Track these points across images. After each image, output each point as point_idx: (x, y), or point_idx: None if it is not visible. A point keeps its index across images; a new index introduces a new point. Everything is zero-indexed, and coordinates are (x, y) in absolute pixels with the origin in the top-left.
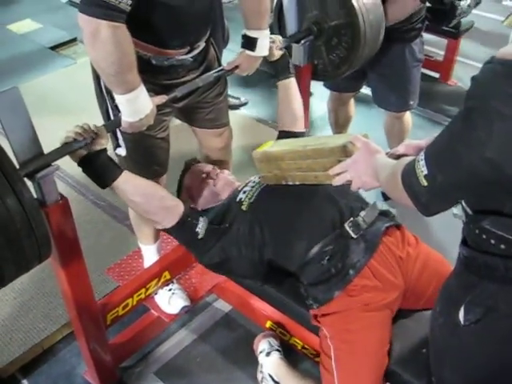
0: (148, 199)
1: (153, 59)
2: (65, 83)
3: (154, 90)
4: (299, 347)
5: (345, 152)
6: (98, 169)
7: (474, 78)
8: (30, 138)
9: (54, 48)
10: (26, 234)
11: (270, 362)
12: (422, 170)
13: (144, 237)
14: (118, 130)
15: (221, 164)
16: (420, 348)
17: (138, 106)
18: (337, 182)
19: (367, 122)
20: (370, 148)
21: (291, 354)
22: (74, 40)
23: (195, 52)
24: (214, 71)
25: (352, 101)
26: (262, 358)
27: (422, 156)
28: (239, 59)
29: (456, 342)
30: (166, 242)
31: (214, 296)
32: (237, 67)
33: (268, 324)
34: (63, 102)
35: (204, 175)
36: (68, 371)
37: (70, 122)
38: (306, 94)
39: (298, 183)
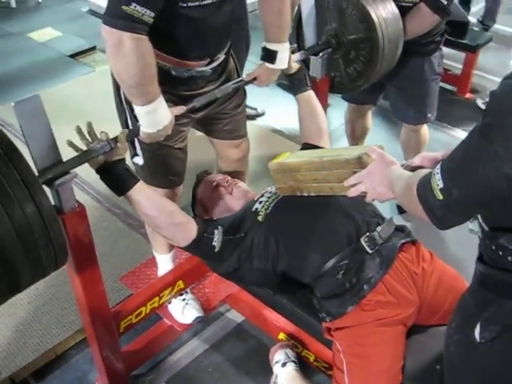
0: (158, 213)
1: (172, 70)
2: (83, 91)
3: (172, 101)
4: (311, 360)
5: (360, 163)
6: (115, 177)
7: (492, 93)
8: (50, 146)
9: (73, 56)
10: (43, 244)
11: (284, 372)
12: (438, 183)
13: (159, 246)
14: (136, 139)
15: (237, 175)
16: (434, 364)
17: (156, 117)
18: (352, 193)
19: (384, 134)
20: (385, 159)
21: (306, 367)
22: (93, 48)
23: (215, 64)
24: (233, 82)
25: (369, 113)
26: (277, 369)
27: (438, 169)
28: (258, 71)
29: (471, 359)
30: (181, 251)
31: (227, 306)
32: (255, 79)
33: (281, 336)
34: (81, 110)
35: (215, 184)
36: (80, 377)
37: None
38: (323, 107)
39: (313, 194)
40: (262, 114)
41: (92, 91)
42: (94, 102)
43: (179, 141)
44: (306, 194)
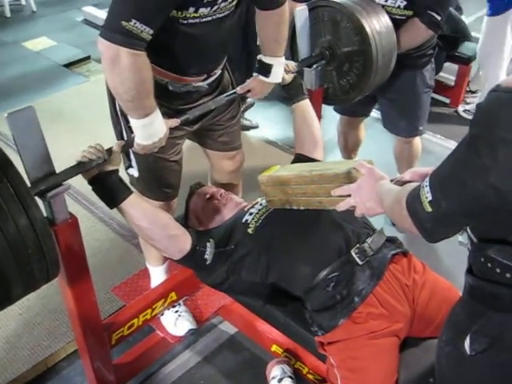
0: (152, 225)
1: (170, 85)
2: (77, 100)
3: (167, 114)
4: (304, 372)
5: (349, 178)
6: (108, 189)
7: (479, 106)
8: (43, 157)
9: (67, 65)
10: (36, 258)
11: None
12: (427, 196)
13: (152, 258)
14: (130, 151)
15: (231, 187)
16: (427, 377)
17: (152, 130)
18: (341, 207)
19: (377, 146)
20: (374, 174)
21: (303, 383)
22: (87, 58)
23: (211, 79)
24: (227, 94)
25: (362, 125)
26: None
27: (426, 182)
28: (252, 83)
29: (462, 371)
30: (174, 264)
31: (220, 318)
32: (249, 91)
33: (273, 347)
34: (75, 119)
35: (208, 196)
36: None
37: (81, 138)
38: (317, 118)
39: (302, 208)
40: (256, 127)
41: (86, 101)
42: (88, 112)
43: (174, 153)
44: (295, 208)
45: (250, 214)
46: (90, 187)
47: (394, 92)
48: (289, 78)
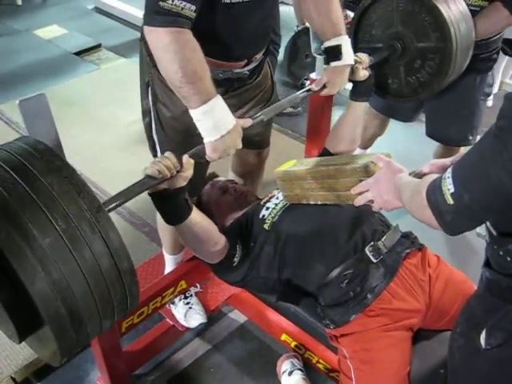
0: (201, 245)
1: None
2: (88, 89)
3: None
4: (314, 361)
5: (367, 172)
6: (173, 208)
7: (507, 97)
8: (54, 145)
9: (78, 54)
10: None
11: (292, 381)
12: (449, 187)
13: (169, 246)
14: (156, 143)
15: (251, 178)
16: (438, 368)
17: (216, 118)
18: (358, 201)
19: (391, 138)
20: (392, 167)
21: (314, 376)
22: (98, 46)
23: (252, 65)
24: (301, 92)
25: (388, 120)
26: (284, 379)
27: (449, 173)
28: (326, 76)
29: (475, 365)
30: (190, 253)
31: (230, 307)
32: (324, 86)
33: (283, 337)
34: (86, 107)
35: (223, 189)
36: (81, 377)
37: (92, 126)
38: (328, 108)
39: (319, 203)
40: (298, 113)
41: (97, 89)
42: (99, 100)
43: None
44: (312, 202)
45: (267, 208)
46: (100, 175)
47: (450, 96)
48: (363, 74)
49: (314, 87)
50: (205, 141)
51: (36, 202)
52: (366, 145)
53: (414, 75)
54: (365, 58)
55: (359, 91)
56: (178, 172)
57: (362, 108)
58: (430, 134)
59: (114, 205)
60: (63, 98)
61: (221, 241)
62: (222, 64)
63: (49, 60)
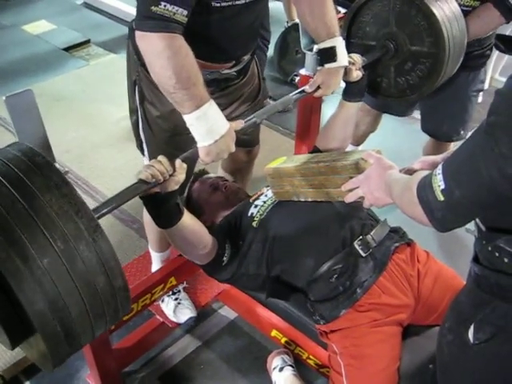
0: (191, 247)
1: None
2: (77, 85)
3: None
4: (304, 357)
5: (357, 169)
6: (164, 211)
7: (498, 93)
8: (41, 142)
9: (67, 49)
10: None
11: (282, 377)
12: (439, 184)
13: (155, 244)
14: (144, 143)
15: (241, 175)
16: (427, 363)
17: (209, 123)
18: (349, 198)
19: (383, 133)
20: (382, 164)
21: (304, 372)
22: (87, 42)
23: (240, 66)
24: (294, 93)
25: (381, 116)
26: (274, 375)
27: (439, 170)
28: (320, 77)
29: (464, 360)
30: (177, 250)
31: (220, 303)
32: (318, 87)
33: (273, 333)
34: (75, 104)
35: (213, 187)
36: (71, 374)
37: (80, 123)
38: (318, 106)
39: (310, 200)
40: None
41: (85, 85)
42: (88, 96)
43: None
44: (302, 199)
45: (256, 206)
46: (89, 171)
47: (444, 93)
48: (357, 75)
49: (308, 89)
50: (198, 145)
51: (35, 221)
52: (358, 141)
53: (404, 76)
54: (358, 58)
55: (352, 92)
56: (170, 176)
57: (354, 108)
58: (425, 128)
59: (106, 210)
60: (52, 94)
61: (210, 243)
62: (210, 65)
63: (37, 56)
